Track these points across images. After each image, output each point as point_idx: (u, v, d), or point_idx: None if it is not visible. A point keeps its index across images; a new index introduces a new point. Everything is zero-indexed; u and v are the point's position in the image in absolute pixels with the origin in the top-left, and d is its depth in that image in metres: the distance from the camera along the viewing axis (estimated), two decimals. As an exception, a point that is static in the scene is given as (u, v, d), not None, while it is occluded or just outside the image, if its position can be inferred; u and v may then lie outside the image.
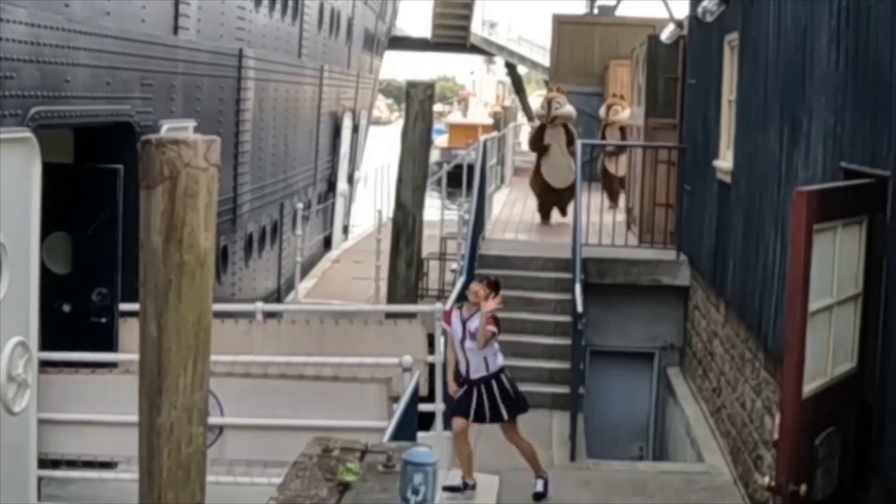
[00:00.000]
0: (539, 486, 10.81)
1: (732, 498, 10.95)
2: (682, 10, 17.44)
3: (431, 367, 10.98)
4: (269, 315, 11.95)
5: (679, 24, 16.88)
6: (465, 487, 10.65)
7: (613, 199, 22.94)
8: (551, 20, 30.58)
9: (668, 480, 11.45)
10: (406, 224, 15.11)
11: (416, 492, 4.85)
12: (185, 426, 5.33)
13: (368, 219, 24.45)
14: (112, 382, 9.49)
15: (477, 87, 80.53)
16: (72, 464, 9.73)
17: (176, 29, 12.83)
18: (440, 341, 11.14)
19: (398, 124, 20.44)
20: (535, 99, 60.80)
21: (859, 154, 7.75)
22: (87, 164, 11.19)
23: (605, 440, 14.74)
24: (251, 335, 10.91)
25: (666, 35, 17.24)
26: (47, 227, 9.84)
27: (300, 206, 19.51)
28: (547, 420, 13.25)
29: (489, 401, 10.52)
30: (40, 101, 9.53)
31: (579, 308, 12.60)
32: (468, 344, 10.52)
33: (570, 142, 19.97)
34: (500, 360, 10.64)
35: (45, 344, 9.67)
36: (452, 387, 10.77)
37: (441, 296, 15.78)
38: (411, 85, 15.33)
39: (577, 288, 13.28)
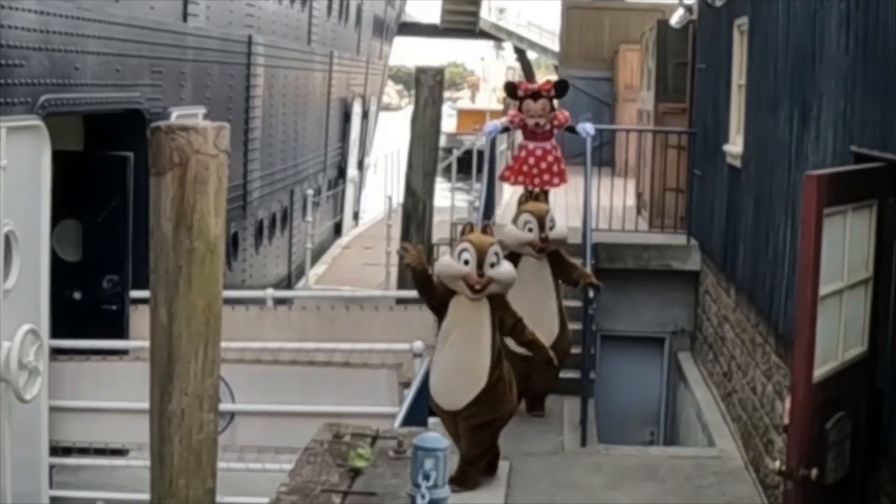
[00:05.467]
0: None
1: (743, 482, 10.95)
2: (691, -5, 17.40)
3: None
4: (279, 301, 11.97)
5: (689, 9, 16.83)
6: None
7: None
8: (560, 5, 30.48)
9: (679, 465, 11.44)
10: (416, 210, 15.11)
11: (426, 477, 4.85)
12: (196, 413, 5.34)
13: (378, 205, 24.46)
14: (123, 369, 9.52)
15: (486, 72, 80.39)
16: (83, 451, 9.77)
17: (185, 16, 12.84)
18: None
19: (408, 110, 20.24)
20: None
21: (870, 138, 7.73)
22: (98, 152, 11.21)
23: (616, 425, 14.73)
24: (262, 322, 10.93)
25: (675, 20, 17.19)
26: (58, 215, 9.87)
27: (310, 192, 19.52)
28: (558, 405, 13.23)
29: None
30: (50, 89, 9.55)
31: (590, 293, 12.58)
32: None
33: (570, 277, 12.21)
34: None
35: (56, 331, 9.70)
36: None
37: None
38: (421, 70, 15.31)
39: (588, 263, 13.27)
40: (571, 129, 14.48)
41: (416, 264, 9.95)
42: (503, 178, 14.90)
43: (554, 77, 15.28)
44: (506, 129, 15.51)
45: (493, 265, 9.89)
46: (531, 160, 13.82)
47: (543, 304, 11.81)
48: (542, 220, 11.82)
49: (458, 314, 10.04)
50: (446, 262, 10.17)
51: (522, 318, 10.23)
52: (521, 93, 14.20)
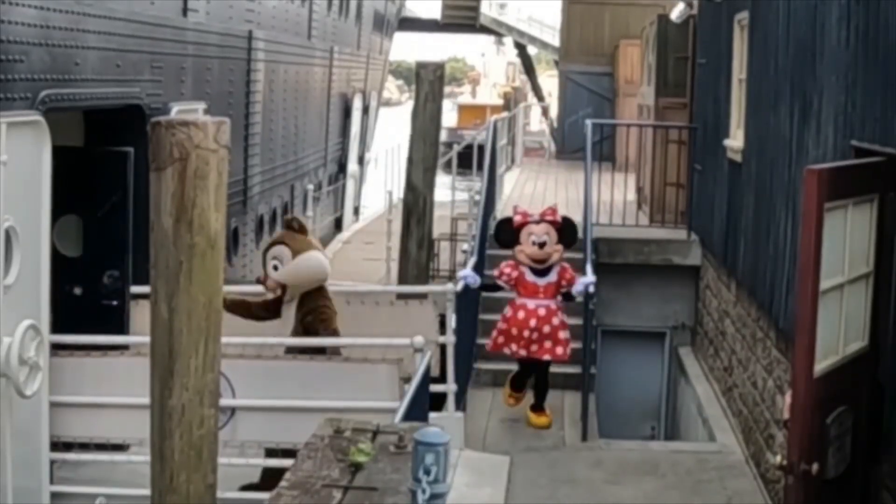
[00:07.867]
0: None
1: (744, 477, 10.95)
2: (692, -11, 17.39)
3: (443, 347, 10.98)
4: (280, 297, 11.94)
5: (689, 4, 16.84)
6: None
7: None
8: (561, 0, 30.50)
9: (680, 460, 11.44)
10: (417, 205, 15.09)
11: (427, 472, 4.85)
12: (197, 408, 5.34)
13: (379, 200, 24.45)
14: (124, 365, 9.49)
15: (487, 68, 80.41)
16: (84, 446, 9.74)
17: (185, 11, 12.83)
18: (451, 320, 11.09)
19: (408, 105, 20.21)
20: (546, 80, 60.60)
21: (870, 132, 7.72)
22: (98, 147, 11.20)
23: (616, 420, 14.74)
24: (262, 317, 10.91)
25: (676, 14, 17.21)
26: (58, 211, 9.85)
27: (311, 187, 19.52)
28: (559, 400, 13.23)
29: None
30: (50, 85, 9.54)
31: (589, 289, 12.57)
32: None
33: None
34: None
35: (57, 327, 9.69)
36: None
37: (452, 276, 15.77)
38: (421, 65, 15.28)
39: (588, 268, 13.25)
40: (570, 297, 12.31)
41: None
42: (492, 347, 12.27)
43: (559, 209, 12.25)
44: (494, 288, 12.71)
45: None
46: (532, 322, 11.85)
47: None
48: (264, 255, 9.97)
49: None
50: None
51: None
52: (518, 218, 12.11)
